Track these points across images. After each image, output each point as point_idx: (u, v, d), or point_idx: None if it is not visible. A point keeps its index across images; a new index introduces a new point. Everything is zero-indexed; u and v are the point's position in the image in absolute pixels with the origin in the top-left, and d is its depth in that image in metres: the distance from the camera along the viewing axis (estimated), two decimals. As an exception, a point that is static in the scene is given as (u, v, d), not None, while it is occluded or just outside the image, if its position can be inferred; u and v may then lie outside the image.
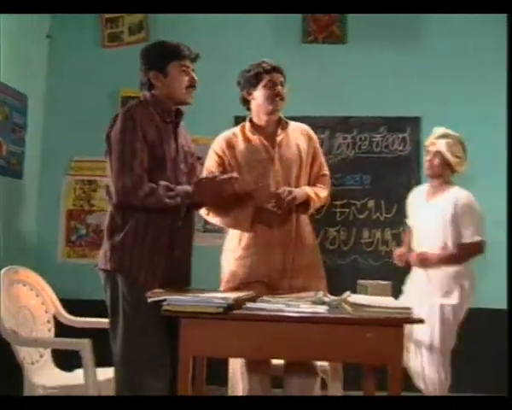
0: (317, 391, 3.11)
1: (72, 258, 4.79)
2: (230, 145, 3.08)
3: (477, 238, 3.45)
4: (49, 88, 4.89)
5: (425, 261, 3.48)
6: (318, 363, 3.11)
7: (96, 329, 3.10)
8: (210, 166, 3.06)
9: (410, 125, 4.63)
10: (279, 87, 3.04)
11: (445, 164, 3.58)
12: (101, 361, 2.97)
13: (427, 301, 3.36)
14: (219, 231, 4.53)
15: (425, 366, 3.42)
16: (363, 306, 2.32)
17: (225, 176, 2.74)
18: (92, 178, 4.83)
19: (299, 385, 2.96)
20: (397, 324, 2.29)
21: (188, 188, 2.65)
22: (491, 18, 4.49)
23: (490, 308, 4.18)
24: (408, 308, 2.35)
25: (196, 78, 2.74)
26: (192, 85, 2.71)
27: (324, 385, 3.37)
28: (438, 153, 3.58)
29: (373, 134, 4.67)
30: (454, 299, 3.41)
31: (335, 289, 3.38)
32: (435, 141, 3.63)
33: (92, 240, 4.79)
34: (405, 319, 2.32)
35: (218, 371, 3.22)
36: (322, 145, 4.43)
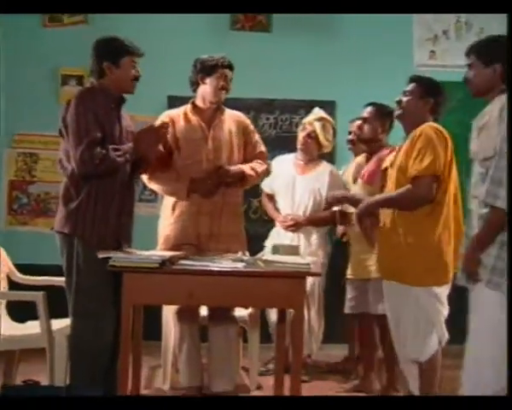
0: (236, 337, 3.65)
1: (14, 225, 5.14)
2: (173, 122, 3.51)
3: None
4: (-8, 65, 5.14)
5: (302, 223, 4.09)
6: (238, 314, 3.65)
7: (44, 286, 3.49)
8: None
9: (325, 108, 5.11)
10: (228, 82, 3.50)
11: (317, 143, 4.15)
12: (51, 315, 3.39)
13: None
14: (152, 200, 4.99)
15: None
16: (272, 262, 2.86)
17: (158, 124, 3.22)
18: (33, 150, 5.16)
19: (222, 332, 3.48)
20: (300, 276, 2.83)
21: (130, 144, 3.08)
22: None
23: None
24: (308, 264, 2.91)
25: (140, 72, 3.16)
26: (137, 78, 3.14)
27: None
28: (313, 132, 4.13)
29: (293, 115, 5.18)
30: (321, 258, 4.06)
31: (257, 252, 3.92)
32: (313, 122, 4.16)
33: (33, 208, 5.15)
34: (306, 272, 2.87)
35: (153, 328, 3.67)
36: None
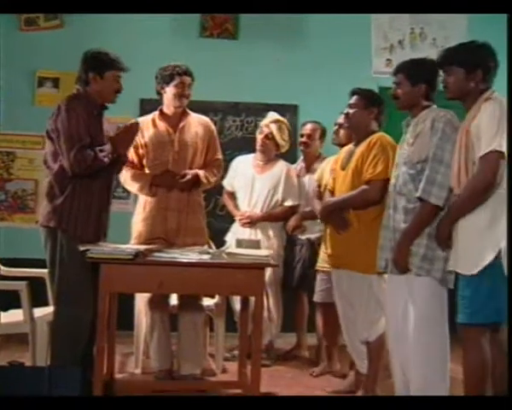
0: (203, 325, 3.97)
1: (-8, 221, 5.37)
2: (143, 128, 3.81)
3: (296, 203, 4.44)
4: (-30, 67, 5.34)
5: (258, 219, 4.39)
6: (205, 303, 3.96)
7: (23, 278, 3.74)
8: None
9: (289, 112, 5.46)
10: (186, 88, 3.79)
11: (275, 144, 4.46)
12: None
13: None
14: (125, 198, 5.25)
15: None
16: (235, 254, 3.19)
17: (127, 124, 3.51)
18: (10, 149, 5.38)
19: (190, 319, 3.79)
20: (259, 267, 3.17)
21: (110, 146, 3.38)
22: (355, 19, 5.39)
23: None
24: (267, 256, 3.25)
25: (122, 86, 3.46)
26: (119, 91, 3.44)
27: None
28: (270, 134, 4.44)
29: (258, 118, 5.40)
30: (277, 250, 4.36)
31: (223, 245, 4.24)
32: (269, 124, 4.46)
33: (10, 205, 5.38)
34: (266, 263, 3.21)
35: (125, 320, 3.96)
36: (215, 126, 5.25)
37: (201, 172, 3.84)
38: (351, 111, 3.58)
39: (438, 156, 2.93)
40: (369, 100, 3.57)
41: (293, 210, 4.42)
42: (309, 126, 4.59)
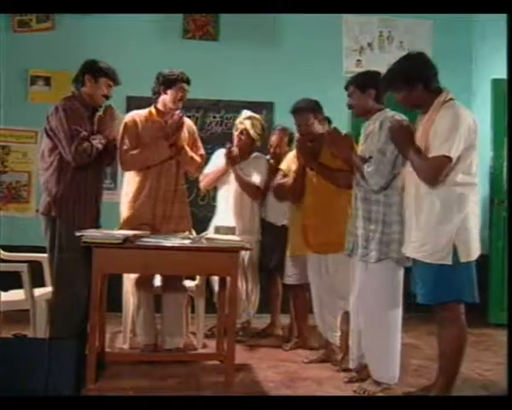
0: (185, 304, 4.37)
1: (-13, 211, 5.72)
2: (139, 120, 4.19)
3: (260, 185, 4.75)
4: (-33, 66, 5.66)
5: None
6: (187, 285, 4.37)
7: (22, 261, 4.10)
8: (120, 132, 4.10)
9: (265, 109, 5.90)
10: (185, 94, 4.20)
11: (249, 138, 4.77)
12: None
13: None
14: (112, 188, 5.63)
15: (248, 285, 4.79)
16: (213, 239, 3.60)
17: (103, 110, 3.91)
18: (5, 143, 5.75)
19: (173, 298, 4.19)
20: (234, 250, 3.58)
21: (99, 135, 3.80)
22: (327, 22, 5.83)
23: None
24: (241, 241, 3.66)
25: (111, 94, 3.89)
26: (107, 97, 3.87)
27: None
28: (245, 130, 4.76)
29: (237, 115, 5.66)
30: (256, 236, 4.74)
31: (203, 231, 4.62)
32: (243, 121, 4.79)
33: (5, 195, 5.75)
34: (240, 247, 3.62)
35: (113, 302, 4.31)
36: (196, 122, 5.64)
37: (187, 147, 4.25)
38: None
39: (386, 152, 3.37)
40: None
41: (257, 189, 4.76)
42: (275, 138, 4.93)
